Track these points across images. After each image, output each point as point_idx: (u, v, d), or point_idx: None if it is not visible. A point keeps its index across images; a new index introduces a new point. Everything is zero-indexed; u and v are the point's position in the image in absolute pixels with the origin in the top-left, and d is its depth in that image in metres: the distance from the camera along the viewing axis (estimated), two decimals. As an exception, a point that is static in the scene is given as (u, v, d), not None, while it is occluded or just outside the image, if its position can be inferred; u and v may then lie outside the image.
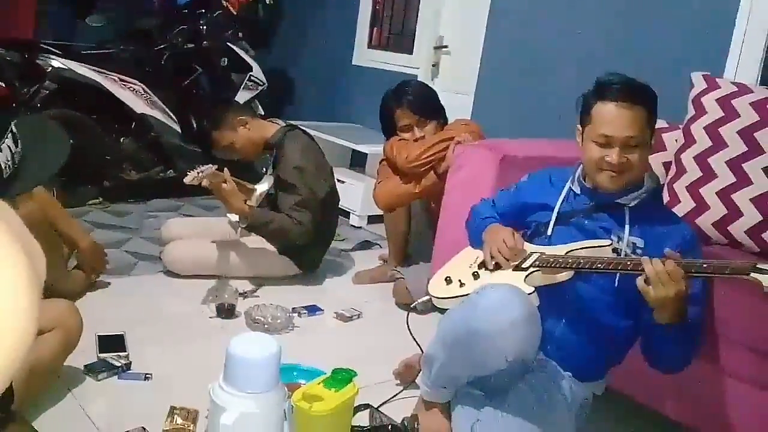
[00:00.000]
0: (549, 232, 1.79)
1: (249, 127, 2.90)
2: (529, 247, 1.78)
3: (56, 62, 3.59)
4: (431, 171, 2.78)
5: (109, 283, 2.67)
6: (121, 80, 3.78)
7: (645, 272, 1.48)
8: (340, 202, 3.12)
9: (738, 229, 2.04)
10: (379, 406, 1.88)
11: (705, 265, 1.49)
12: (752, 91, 2.14)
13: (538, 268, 1.70)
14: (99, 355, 2.06)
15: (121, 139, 3.88)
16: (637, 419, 2.05)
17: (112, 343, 2.13)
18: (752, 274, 1.37)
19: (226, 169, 2.66)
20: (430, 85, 3.23)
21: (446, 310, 1.79)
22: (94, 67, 3.69)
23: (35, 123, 1.37)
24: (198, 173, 2.48)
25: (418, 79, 3.80)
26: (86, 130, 3.66)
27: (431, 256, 2.51)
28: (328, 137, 4.10)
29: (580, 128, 1.75)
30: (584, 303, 1.71)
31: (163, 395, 1.85)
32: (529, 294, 1.63)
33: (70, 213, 2.62)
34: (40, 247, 0.54)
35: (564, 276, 1.68)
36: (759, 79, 2.63)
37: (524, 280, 1.68)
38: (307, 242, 2.82)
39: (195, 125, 4.13)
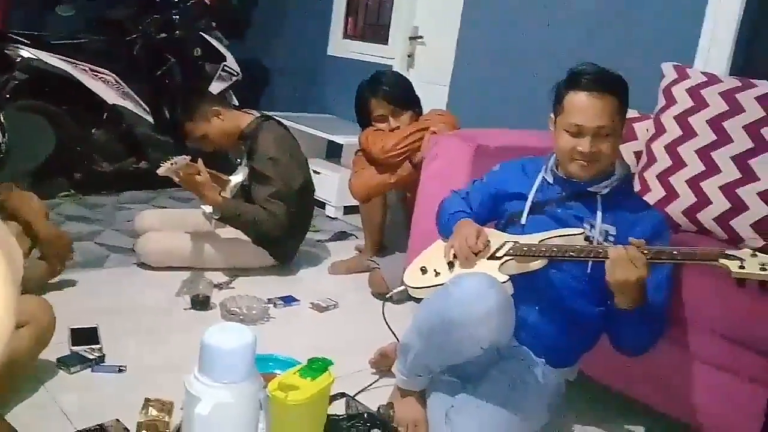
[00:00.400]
0: (523, 221, 1.81)
1: (223, 118, 2.88)
2: (503, 236, 1.80)
3: (26, 52, 3.53)
4: (406, 161, 2.79)
5: (76, 281, 2.59)
6: (92, 70, 3.73)
7: (609, 257, 1.51)
8: (315, 193, 3.11)
9: (707, 216, 2.08)
10: (355, 395, 1.89)
11: (675, 252, 1.52)
12: (721, 81, 2.18)
13: (512, 257, 1.71)
14: (72, 348, 2.03)
15: (93, 131, 3.83)
16: (609, 404, 2.09)
17: (85, 336, 2.10)
18: (721, 260, 1.40)
19: (200, 159, 2.64)
20: (405, 76, 3.23)
21: (422, 299, 1.81)
22: (64, 57, 3.64)
23: (21, 115, 1.36)
24: (171, 164, 2.46)
25: (393, 70, 3.80)
26: (57, 121, 3.60)
27: (407, 246, 2.52)
28: (303, 128, 4.09)
29: (553, 117, 1.77)
30: (557, 290, 1.74)
31: (137, 387, 1.83)
32: (503, 282, 1.65)
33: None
34: (16, 243, 0.54)
35: (538, 264, 1.70)
36: (728, 69, 2.67)
37: (498, 269, 1.70)
38: (282, 234, 2.82)
39: (168, 116, 4.09)
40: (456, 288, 1.63)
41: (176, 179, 2.56)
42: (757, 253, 1.39)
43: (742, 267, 1.37)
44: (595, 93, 1.65)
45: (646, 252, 1.51)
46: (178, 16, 4.15)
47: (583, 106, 1.66)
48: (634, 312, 1.57)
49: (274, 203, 2.74)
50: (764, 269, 1.35)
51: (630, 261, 1.49)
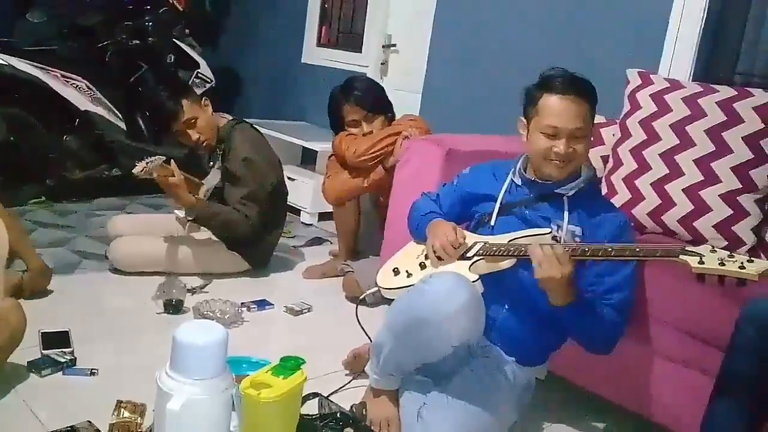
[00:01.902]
0: (492, 222, 1.84)
1: (211, 111, 2.88)
2: (472, 236, 1.83)
3: (-4, 58, 3.50)
4: (379, 165, 2.82)
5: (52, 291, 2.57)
6: (64, 77, 3.71)
7: (534, 256, 1.56)
8: (288, 196, 3.12)
9: (671, 218, 2.13)
10: (328, 396, 1.90)
11: (637, 249, 1.56)
12: (684, 87, 2.24)
13: (482, 257, 1.75)
14: (43, 351, 2.02)
15: (64, 137, 3.79)
16: (578, 402, 2.13)
17: (57, 339, 2.09)
18: (681, 256, 1.44)
19: (173, 161, 2.65)
20: (377, 81, 3.27)
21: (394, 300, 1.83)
22: (35, 63, 3.61)
23: None
24: (147, 164, 2.47)
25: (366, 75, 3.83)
26: (27, 127, 3.58)
27: (380, 250, 2.54)
28: (278, 135, 4.09)
29: (525, 121, 1.81)
30: (526, 290, 1.76)
31: (109, 390, 1.82)
32: (473, 282, 1.68)
33: (12, 212, 2.54)
34: (2, 224, 0.56)
35: (507, 264, 1.73)
36: (691, 75, 2.75)
37: (469, 269, 1.73)
38: (254, 235, 2.83)
39: (141, 122, 4.08)
40: (427, 287, 1.66)
41: (154, 178, 2.56)
42: (715, 249, 1.43)
43: (701, 262, 1.41)
44: (570, 96, 1.70)
45: (602, 250, 1.54)
46: (150, 23, 4.15)
47: (559, 108, 1.70)
48: (573, 309, 1.60)
49: (247, 205, 2.75)
50: (723, 264, 1.39)
51: (556, 259, 1.53)
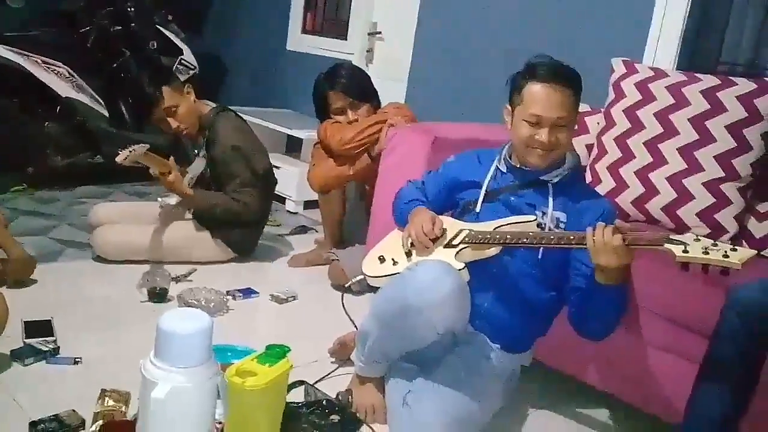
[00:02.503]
0: (477, 209, 1.84)
1: (193, 99, 2.86)
2: (458, 224, 1.83)
3: (-26, 43, 3.45)
4: (365, 153, 2.81)
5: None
6: (45, 63, 3.66)
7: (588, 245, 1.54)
8: (276, 184, 3.10)
9: (654, 206, 2.15)
10: (314, 383, 1.91)
11: (623, 237, 1.56)
12: (668, 76, 2.25)
13: (467, 245, 1.75)
14: (25, 340, 2.00)
15: (45, 124, 3.74)
16: (562, 389, 2.14)
17: (39, 328, 2.07)
18: (666, 245, 1.45)
19: (172, 158, 2.65)
20: (362, 69, 3.25)
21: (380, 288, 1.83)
22: (15, 49, 3.55)
23: None
24: (130, 152, 2.45)
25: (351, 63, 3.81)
26: (7, 114, 3.53)
27: (366, 238, 2.54)
28: (262, 122, 4.07)
29: (510, 108, 1.80)
30: (511, 277, 1.78)
31: (93, 379, 1.81)
32: (460, 270, 1.68)
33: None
34: None
35: (493, 251, 1.74)
36: (675, 64, 2.76)
37: (455, 257, 1.73)
38: (255, 219, 2.87)
39: (124, 109, 4.04)
40: (412, 275, 1.66)
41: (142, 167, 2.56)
42: (699, 237, 1.44)
43: (685, 251, 1.42)
44: (554, 84, 1.69)
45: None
46: (133, 9, 4.09)
47: (542, 96, 1.69)
48: (612, 290, 1.59)
49: (243, 192, 2.77)
50: (707, 253, 1.40)
51: (614, 251, 1.51)
